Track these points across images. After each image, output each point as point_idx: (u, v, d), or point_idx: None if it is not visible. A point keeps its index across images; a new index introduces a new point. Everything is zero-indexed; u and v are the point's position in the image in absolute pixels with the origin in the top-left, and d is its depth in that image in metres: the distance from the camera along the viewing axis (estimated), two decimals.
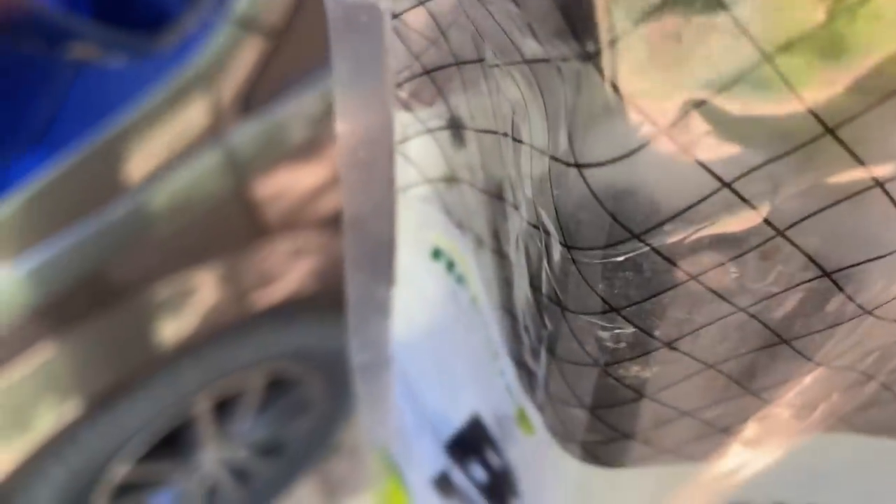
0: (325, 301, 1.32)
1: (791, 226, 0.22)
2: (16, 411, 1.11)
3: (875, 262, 0.23)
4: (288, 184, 1.22)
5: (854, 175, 0.21)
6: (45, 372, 1.11)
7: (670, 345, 0.26)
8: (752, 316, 0.25)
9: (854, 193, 0.22)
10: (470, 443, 0.46)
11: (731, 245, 0.23)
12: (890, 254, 0.23)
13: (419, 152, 0.38)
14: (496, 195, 0.33)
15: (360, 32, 0.34)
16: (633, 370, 0.28)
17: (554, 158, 0.23)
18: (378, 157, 0.38)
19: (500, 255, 0.34)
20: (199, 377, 1.24)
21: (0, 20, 1.15)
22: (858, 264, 0.23)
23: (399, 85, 0.35)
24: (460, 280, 0.41)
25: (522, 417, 0.38)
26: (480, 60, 0.30)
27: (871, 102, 0.20)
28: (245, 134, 1.16)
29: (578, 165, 0.22)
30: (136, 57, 1.13)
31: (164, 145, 1.11)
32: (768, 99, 0.19)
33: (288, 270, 1.26)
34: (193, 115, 1.12)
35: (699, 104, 0.20)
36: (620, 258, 0.23)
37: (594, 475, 0.34)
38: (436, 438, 0.49)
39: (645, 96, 0.19)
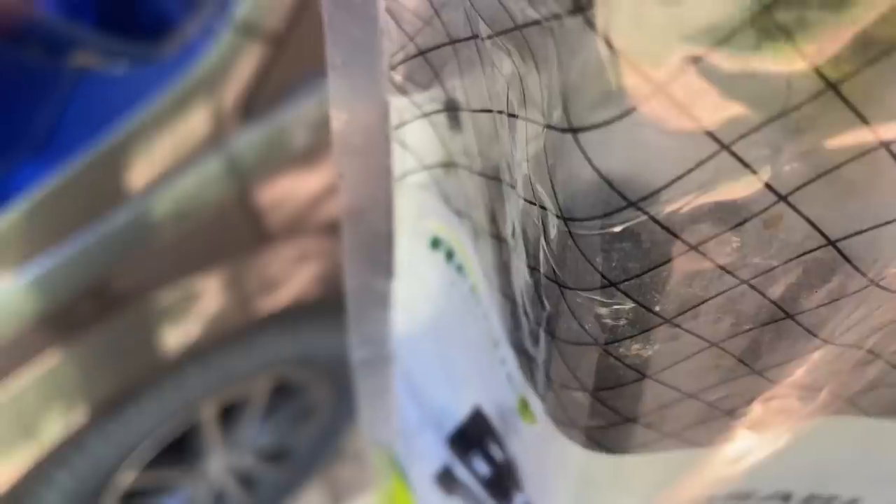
0: (329, 306, 1.31)
1: (793, 191, 0.22)
2: (22, 419, 1.10)
3: (881, 229, 0.22)
4: (290, 189, 1.21)
5: (858, 136, 0.20)
6: (51, 380, 1.10)
7: (671, 321, 0.25)
8: (755, 289, 0.24)
9: (858, 155, 0.21)
10: (472, 436, 0.45)
11: (732, 213, 0.22)
12: None
13: (416, 138, 0.37)
14: (493, 177, 0.32)
15: (353, 13, 0.33)
16: (634, 349, 0.27)
17: (549, 127, 0.22)
18: (374, 144, 0.38)
19: (499, 239, 0.33)
20: (205, 383, 1.24)
21: (1, 27, 1.15)
22: (864, 231, 0.23)
23: (394, 67, 0.34)
24: (460, 269, 0.40)
25: (524, 406, 0.37)
26: (474, 37, 0.29)
27: (876, 56, 0.19)
28: (247, 140, 1.15)
29: (574, 130, 0.21)
30: (138, 64, 1.13)
31: (166, 152, 1.10)
32: (768, 54, 0.19)
33: (292, 275, 1.25)
34: (195, 122, 1.12)
35: (696, 60, 0.19)
36: (618, 228, 0.22)
37: (597, 462, 0.33)
38: (438, 433, 0.48)
39: (639, 52, 0.19)
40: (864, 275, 0.24)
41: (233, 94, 1.13)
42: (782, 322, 0.25)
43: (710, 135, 0.20)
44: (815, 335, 0.27)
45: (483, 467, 0.45)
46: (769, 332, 0.26)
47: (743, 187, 0.21)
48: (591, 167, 0.21)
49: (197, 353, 1.21)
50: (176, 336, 1.18)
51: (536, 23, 0.21)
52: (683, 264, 0.23)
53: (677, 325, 0.26)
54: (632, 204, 0.22)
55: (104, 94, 1.12)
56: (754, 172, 0.21)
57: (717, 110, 0.20)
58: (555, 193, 0.23)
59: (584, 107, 0.20)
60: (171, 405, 1.21)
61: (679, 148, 0.20)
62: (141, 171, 1.09)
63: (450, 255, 0.41)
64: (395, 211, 0.40)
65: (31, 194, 1.02)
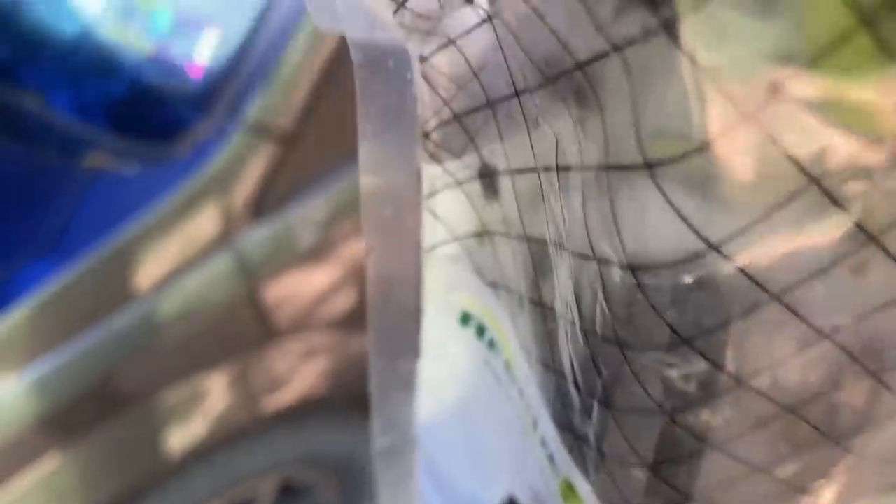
0: (337, 403, 1.27)
1: (886, 230, 0.19)
2: None
3: None
4: (297, 286, 1.19)
5: None
6: (52, 483, 1.06)
7: (746, 383, 0.23)
8: (841, 345, 0.22)
9: None
10: None
11: (818, 258, 0.20)
12: None
13: (447, 207, 0.35)
14: (537, 239, 0.30)
15: (386, 79, 0.32)
16: (704, 416, 0.24)
17: (614, 168, 0.20)
18: (405, 214, 0.36)
19: (542, 305, 0.31)
20: (210, 484, 1.19)
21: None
22: None
23: (427, 134, 0.33)
24: (492, 345, 0.38)
25: (568, 490, 0.34)
26: (518, 94, 0.28)
27: None
28: (255, 238, 1.14)
29: (648, 165, 0.19)
30: (150, 165, 1.13)
31: (175, 252, 1.09)
32: (868, 76, 0.17)
33: (299, 372, 1.22)
34: (205, 222, 1.11)
35: (787, 82, 0.17)
36: (694, 276, 0.20)
37: None
38: None
39: (727, 73, 0.17)
40: None
41: (243, 193, 1.13)
42: (868, 381, 0.23)
43: (800, 167, 0.18)
44: None
45: None
46: (854, 394, 0.23)
47: (832, 227, 0.19)
48: (668, 205, 0.19)
49: (202, 454, 1.16)
50: (181, 437, 1.14)
51: (603, 56, 0.20)
52: (764, 316, 0.21)
53: (752, 388, 0.23)
54: (712, 247, 0.20)
55: (115, 194, 1.11)
56: (845, 210, 0.19)
57: (809, 139, 0.18)
58: (621, 241, 0.21)
59: (661, 137, 0.18)
60: None
61: (766, 183, 0.18)
62: (149, 271, 1.07)
63: (481, 331, 0.38)
64: (424, 285, 0.38)
65: (37, 295, 1.00)
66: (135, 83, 1.23)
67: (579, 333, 0.27)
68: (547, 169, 0.27)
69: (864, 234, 0.20)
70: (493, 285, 0.36)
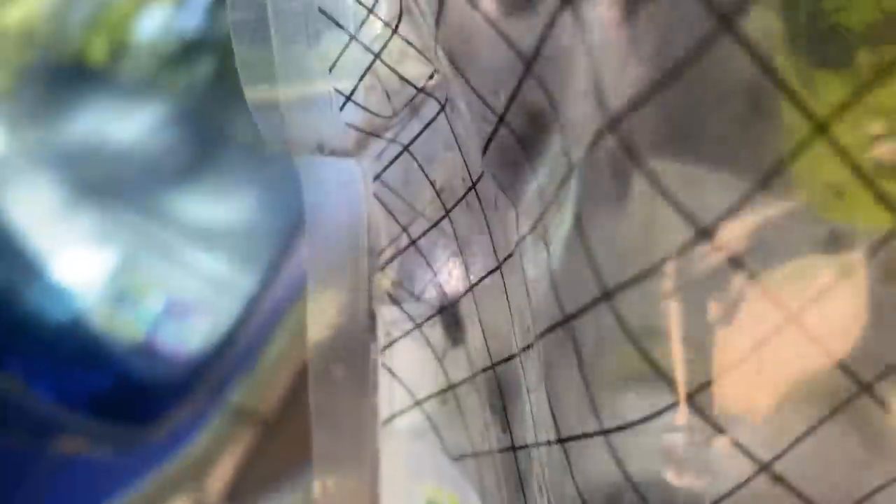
0: None
1: None
2: None
3: None
4: None
5: None
6: None
7: None
8: None
9: None
10: None
11: None
12: None
13: (407, 361, 0.30)
14: (502, 360, 0.25)
15: (335, 205, 0.28)
16: None
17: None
18: (356, 375, 0.31)
19: (512, 449, 0.25)
20: None
21: None
22: None
23: (382, 268, 0.29)
24: None
25: None
26: (473, 186, 0.24)
27: None
28: None
29: None
30: (124, 450, 1.06)
31: None
32: None
33: None
34: None
35: None
36: None
37: None
38: None
39: None
40: None
41: (218, 482, 1.05)
42: None
43: None
44: None
45: None
46: None
47: None
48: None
49: None
50: None
51: None
52: None
53: None
54: None
55: (84, 480, 1.03)
56: None
57: None
58: None
59: None
60: None
61: None
62: None
63: None
64: (382, 470, 0.32)
65: None
66: (120, 374, 1.20)
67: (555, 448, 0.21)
68: (508, 257, 0.23)
69: None
70: (461, 457, 0.29)
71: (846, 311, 0.15)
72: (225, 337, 1.15)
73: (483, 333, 0.26)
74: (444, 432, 0.30)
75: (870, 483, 0.16)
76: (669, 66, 0.15)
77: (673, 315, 0.16)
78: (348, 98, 0.25)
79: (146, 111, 1.14)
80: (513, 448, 0.25)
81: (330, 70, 0.24)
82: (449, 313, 0.28)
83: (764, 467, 0.16)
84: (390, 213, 0.28)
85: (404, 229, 0.28)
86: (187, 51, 1.20)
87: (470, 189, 0.24)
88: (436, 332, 0.29)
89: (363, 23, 0.24)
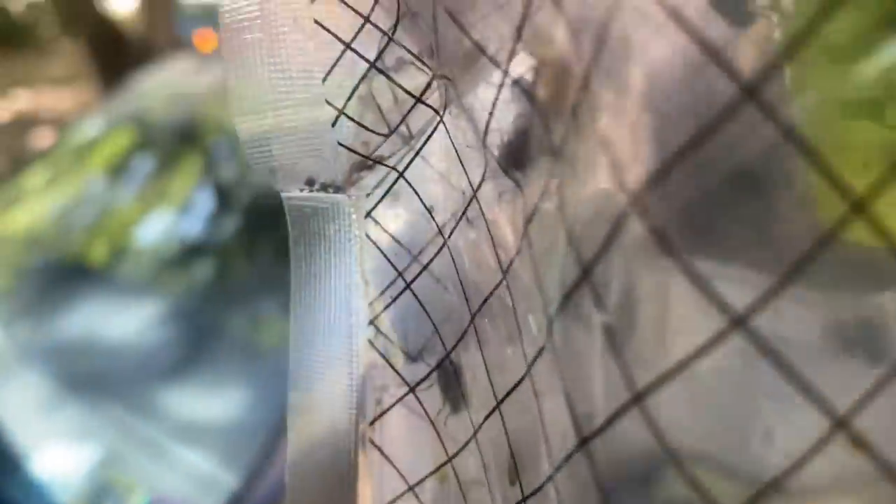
0: None
1: None
2: None
3: None
4: None
5: None
6: None
7: None
8: None
9: None
10: None
11: None
12: None
13: (399, 437, 0.25)
14: (515, 429, 0.21)
15: (324, 250, 0.25)
16: None
17: None
18: (341, 457, 0.26)
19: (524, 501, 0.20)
20: None
21: None
22: None
23: (372, 322, 0.25)
24: None
25: None
26: (474, 194, 0.22)
27: None
28: None
29: None
30: None
31: None
32: None
33: None
34: None
35: None
36: None
37: None
38: None
39: None
40: None
41: None
42: None
43: None
44: None
45: None
46: None
47: None
48: None
49: None
50: None
51: None
52: None
53: None
54: None
55: None
56: None
57: None
58: None
59: None
60: None
61: None
62: None
63: None
64: None
65: None
66: None
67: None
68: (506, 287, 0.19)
69: None
70: None
71: None
72: None
73: (493, 388, 0.22)
74: None
75: None
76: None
77: None
78: (341, 112, 0.23)
79: (143, 310, 1.12)
80: (524, 500, 0.20)
81: (323, 81, 0.22)
82: (449, 380, 0.24)
83: None
84: (385, 254, 0.25)
85: (401, 273, 0.25)
86: (188, 254, 1.20)
87: (471, 200, 0.22)
88: (432, 394, 0.25)
89: (359, 31, 0.22)
